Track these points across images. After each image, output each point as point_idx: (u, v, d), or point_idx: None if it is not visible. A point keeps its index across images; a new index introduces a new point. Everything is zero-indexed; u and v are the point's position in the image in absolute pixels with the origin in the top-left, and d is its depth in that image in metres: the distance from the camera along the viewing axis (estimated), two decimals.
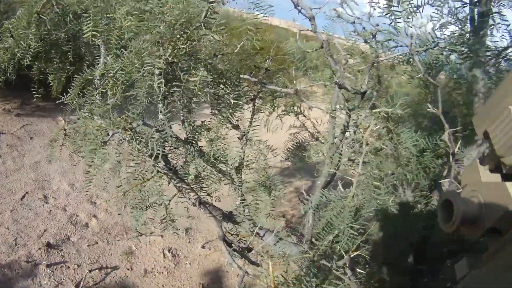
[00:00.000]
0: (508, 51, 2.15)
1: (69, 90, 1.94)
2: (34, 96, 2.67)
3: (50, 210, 3.48)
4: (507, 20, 2.09)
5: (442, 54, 1.73)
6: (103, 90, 1.75)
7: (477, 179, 0.77)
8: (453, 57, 1.87)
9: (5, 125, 4.78)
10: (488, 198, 0.73)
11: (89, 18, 1.85)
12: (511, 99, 0.65)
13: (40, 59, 2.59)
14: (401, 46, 1.83)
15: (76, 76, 1.91)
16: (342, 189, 1.58)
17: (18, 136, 4.61)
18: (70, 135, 1.95)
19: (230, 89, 1.64)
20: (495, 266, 0.71)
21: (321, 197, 1.61)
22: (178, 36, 1.48)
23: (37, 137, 4.72)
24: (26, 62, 2.23)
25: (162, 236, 3.35)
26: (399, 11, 1.76)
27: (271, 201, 1.82)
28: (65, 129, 1.98)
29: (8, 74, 2.47)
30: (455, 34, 1.95)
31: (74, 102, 1.91)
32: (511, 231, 0.68)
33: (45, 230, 3.19)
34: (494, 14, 2.07)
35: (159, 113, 1.61)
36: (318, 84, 1.88)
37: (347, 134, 1.67)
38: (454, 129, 1.61)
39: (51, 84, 2.81)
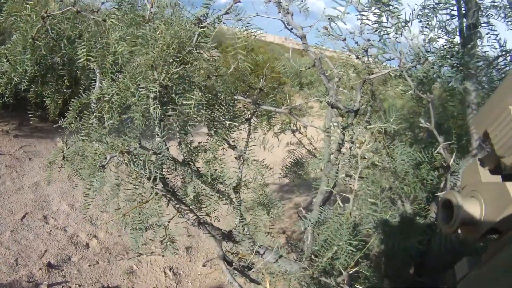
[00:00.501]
0: (498, 60, 2.17)
1: (66, 114, 1.95)
2: (31, 118, 2.69)
3: (51, 231, 3.47)
4: (496, 30, 2.12)
5: (432, 68, 1.74)
6: (99, 114, 1.76)
7: (477, 179, 0.77)
8: (444, 70, 1.88)
9: (4, 146, 4.79)
10: (488, 198, 0.72)
11: (83, 43, 1.87)
12: (511, 99, 0.65)
13: (37, 83, 2.61)
14: (393, 59, 1.85)
15: (72, 100, 1.92)
16: (341, 205, 1.59)
17: (17, 157, 4.62)
18: (69, 157, 1.96)
19: (225, 110, 1.66)
20: (495, 266, 0.71)
21: (320, 214, 1.62)
22: (171, 60, 1.50)
23: (35, 158, 4.72)
24: (23, 86, 2.24)
25: (163, 256, 3.34)
26: (388, 27, 1.78)
27: (270, 219, 1.82)
28: (63, 152, 1.99)
29: (5, 98, 2.48)
30: (445, 47, 1.97)
31: (72, 125, 1.92)
32: (511, 232, 0.68)
33: (45, 251, 3.19)
34: (482, 25, 2.10)
35: (156, 135, 1.62)
36: (313, 100, 1.90)
37: (343, 150, 1.68)
38: (448, 142, 1.63)
39: (48, 107, 2.82)
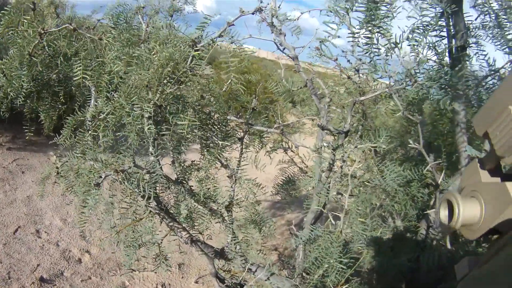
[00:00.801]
0: (487, 79, 2.21)
1: (60, 129, 1.96)
2: (27, 134, 2.69)
3: (43, 245, 3.46)
4: (484, 50, 2.16)
5: (421, 89, 1.78)
6: (94, 132, 1.78)
7: (477, 180, 0.77)
8: (432, 91, 1.92)
9: None
10: (488, 199, 0.72)
11: (79, 61, 1.89)
12: (511, 99, 0.64)
13: (32, 98, 2.61)
14: (385, 77, 1.88)
15: (67, 117, 1.94)
16: (333, 222, 1.61)
17: (10, 170, 4.60)
18: (63, 173, 1.97)
19: (218, 129, 1.68)
20: (495, 267, 0.69)
21: (311, 232, 1.64)
22: (165, 81, 1.52)
23: (28, 171, 4.71)
24: (19, 102, 2.24)
25: (155, 272, 3.33)
26: (379, 48, 1.82)
27: (261, 236, 1.84)
28: (57, 167, 2.00)
29: (1, 112, 2.48)
30: (434, 68, 2.01)
31: (67, 141, 1.93)
32: (511, 232, 0.67)
33: (38, 265, 3.17)
34: (471, 45, 2.14)
35: (150, 155, 1.64)
36: (305, 118, 1.93)
37: (334, 168, 1.71)
38: (437, 162, 1.66)
39: (43, 122, 2.83)
